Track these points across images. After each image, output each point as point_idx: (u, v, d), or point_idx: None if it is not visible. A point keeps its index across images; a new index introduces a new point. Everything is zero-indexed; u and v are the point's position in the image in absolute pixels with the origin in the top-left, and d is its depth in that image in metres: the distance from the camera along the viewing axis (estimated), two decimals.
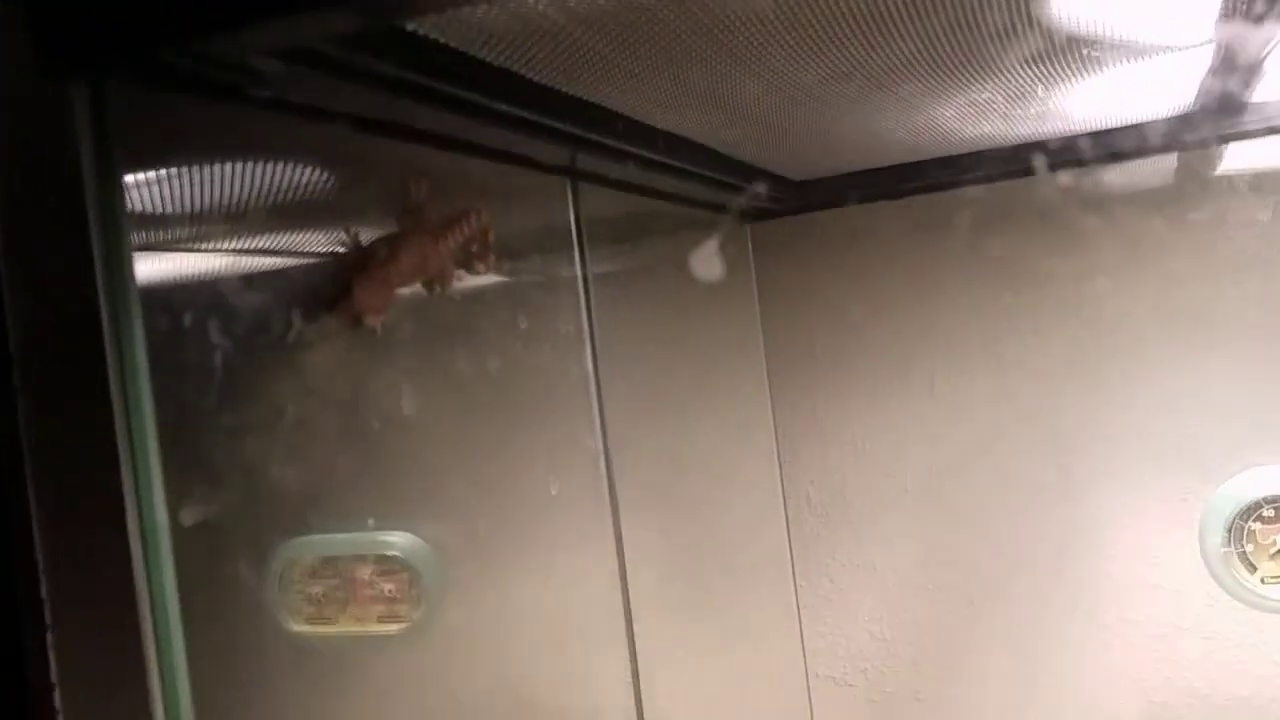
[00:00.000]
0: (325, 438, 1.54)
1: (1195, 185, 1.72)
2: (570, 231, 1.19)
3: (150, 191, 0.78)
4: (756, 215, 1.80)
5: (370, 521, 1.37)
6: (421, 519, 1.72)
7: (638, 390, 1.38)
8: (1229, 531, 1.53)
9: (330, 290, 0.80)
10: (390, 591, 1.81)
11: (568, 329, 1.14)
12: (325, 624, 1.82)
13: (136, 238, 0.72)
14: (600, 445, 1.15)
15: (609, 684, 1.36)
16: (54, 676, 0.74)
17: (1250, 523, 1.53)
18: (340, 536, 1.82)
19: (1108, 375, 1.80)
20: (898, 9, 0.77)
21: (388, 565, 1.82)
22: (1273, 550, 1.52)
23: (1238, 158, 1.62)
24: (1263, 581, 1.53)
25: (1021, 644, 1.92)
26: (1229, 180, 1.69)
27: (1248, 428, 1.68)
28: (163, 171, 0.78)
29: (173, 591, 0.76)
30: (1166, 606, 1.81)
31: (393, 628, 1.80)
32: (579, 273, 1.17)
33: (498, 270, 0.99)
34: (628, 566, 1.34)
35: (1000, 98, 1.10)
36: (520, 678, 1.57)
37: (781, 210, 1.79)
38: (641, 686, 1.34)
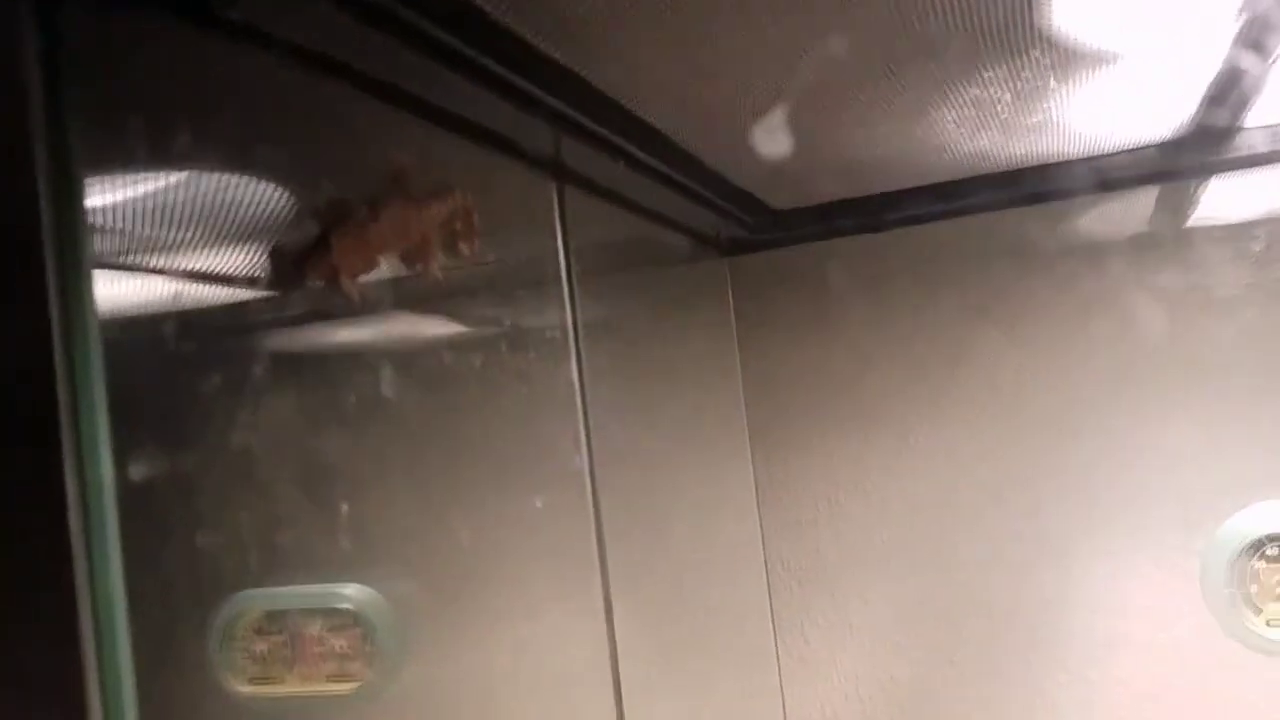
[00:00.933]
0: (274, 478, 1.44)
1: (1180, 221, 1.70)
2: (556, 239, 1.12)
3: (106, 136, 0.69)
4: (735, 249, 1.74)
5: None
6: (379, 569, 1.61)
7: (620, 429, 1.30)
8: (1232, 571, 1.47)
9: (305, 244, 0.72)
10: (341, 648, 1.70)
11: (553, 334, 1.06)
12: (270, 684, 1.70)
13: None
14: (586, 462, 1.06)
15: None
16: None
17: (1255, 561, 1.47)
18: (287, 590, 1.71)
19: (1091, 423, 1.74)
20: None
21: (339, 620, 1.71)
22: (1278, 590, 1.46)
23: (1225, 192, 1.60)
24: (1268, 624, 1.47)
25: (1004, 705, 1.84)
26: (1215, 215, 1.67)
27: (1241, 471, 1.63)
28: (119, 118, 0.69)
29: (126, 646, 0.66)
30: (1157, 663, 1.74)
31: (344, 687, 1.68)
32: (564, 278, 1.09)
33: (482, 260, 0.91)
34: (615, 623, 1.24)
35: (1007, 94, 1.06)
36: None
37: (760, 243, 1.73)
38: None
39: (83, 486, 0.60)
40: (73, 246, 0.60)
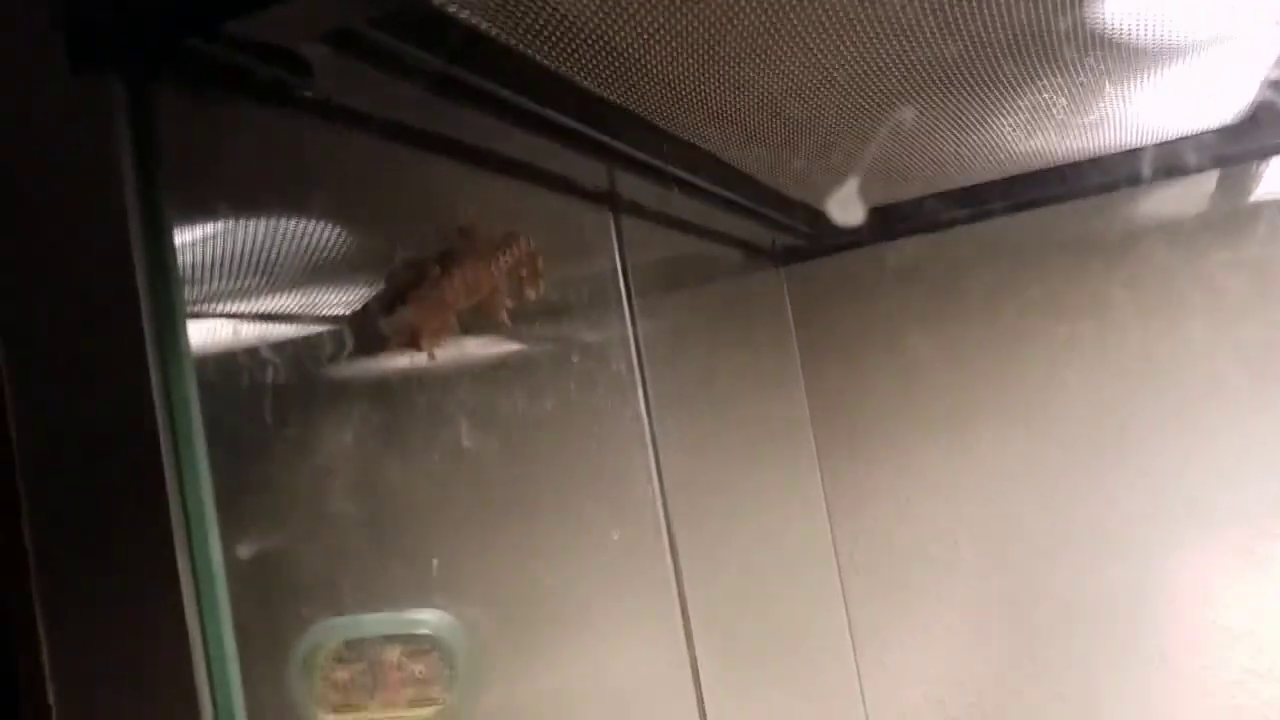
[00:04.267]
0: (353, 504, 1.46)
1: (1244, 209, 1.66)
2: (615, 270, 1.13)
3: (192, 207, 0.71)
4: (790, 257, 1.74)
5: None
6: (457, 598, 1.63)
7: (687, 442, 1.31)
8: None
9: (384, 309, 0.73)
10: (421, 673, 1.72)
11: (619, 367, 1.07)
12: (353, 711, 1.72)
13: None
14: (658, 492, 1.07)
15: None
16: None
17: None
18: (366, 617, 1.73)
19: (1164, 418, 1.72)
20: None
21: (417, 645, 1.73)
22: None
23: None
24: None
25: (1089, 697, 1.81)
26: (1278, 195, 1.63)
27: None
28: (206, 185, 0.71)
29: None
30: (1240, 650, 1.71)
31: (426, 712, 1.70)
32: (626, 311, 1.10)
33: (546, 303, 0.92)
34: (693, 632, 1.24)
35: (1061, 98, 1.05)
36: None
37: (816, 250, 1.72)
38: None
39: (186, 517, 0.64)
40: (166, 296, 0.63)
